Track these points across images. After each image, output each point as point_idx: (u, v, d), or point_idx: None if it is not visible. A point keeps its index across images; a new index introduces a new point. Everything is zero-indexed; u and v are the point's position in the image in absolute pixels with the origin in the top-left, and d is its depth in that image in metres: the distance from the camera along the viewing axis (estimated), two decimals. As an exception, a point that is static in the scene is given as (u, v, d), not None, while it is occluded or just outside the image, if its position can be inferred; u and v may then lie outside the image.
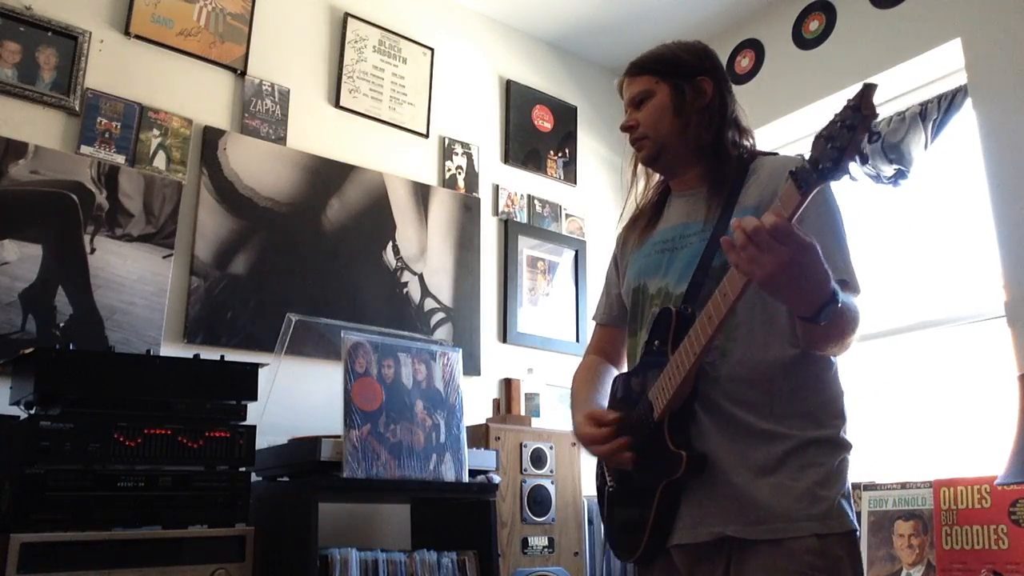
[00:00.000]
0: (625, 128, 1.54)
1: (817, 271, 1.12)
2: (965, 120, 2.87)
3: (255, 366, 2.14)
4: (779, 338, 1.34)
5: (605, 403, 1.53)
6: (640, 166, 1.59)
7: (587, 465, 2.99)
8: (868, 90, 0.99)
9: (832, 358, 1.37)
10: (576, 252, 3.75)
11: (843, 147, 0.99)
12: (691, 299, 1.35)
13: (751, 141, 1.52)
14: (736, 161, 1.45)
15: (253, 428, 2.09)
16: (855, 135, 0.98)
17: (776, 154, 1.50)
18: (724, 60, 3.72)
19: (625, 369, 1.60)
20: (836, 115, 1.01)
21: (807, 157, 1.05)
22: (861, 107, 0.98)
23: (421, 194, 3.28)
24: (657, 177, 1.61)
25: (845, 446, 1.33)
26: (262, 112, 2.96)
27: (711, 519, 1.28)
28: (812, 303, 1.14)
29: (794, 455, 1.28)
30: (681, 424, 1.31)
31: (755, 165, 1.44)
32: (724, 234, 1.33)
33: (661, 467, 1.30)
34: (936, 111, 2.92)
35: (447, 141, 3.46)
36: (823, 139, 1.02)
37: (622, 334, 1.62)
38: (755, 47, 3.64)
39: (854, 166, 1.04)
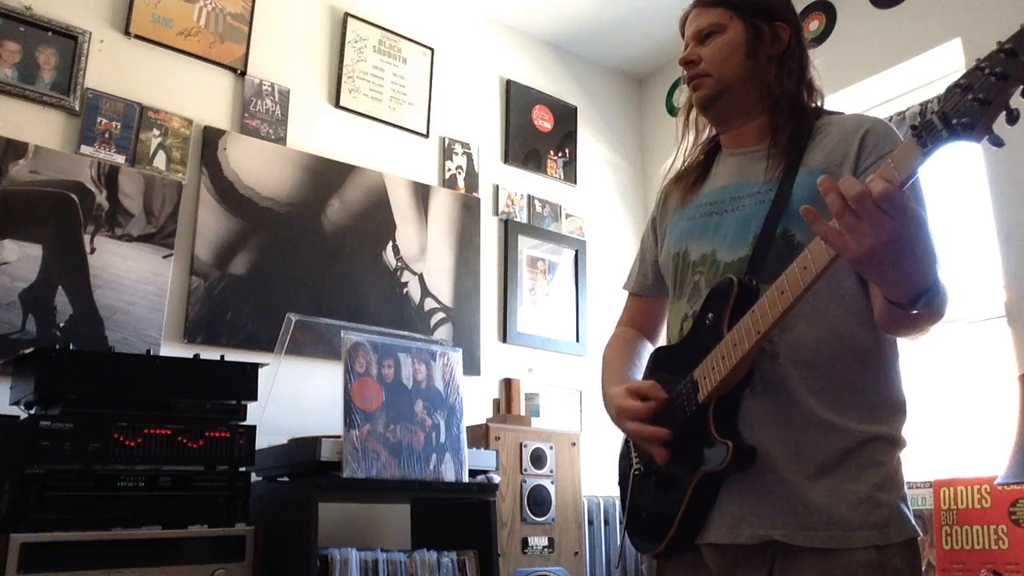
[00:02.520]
0: (685, 62, 1.36)
1: (923, 250, 0.96)
2: (965, 120, 2.86)
3: (255, 366, 2.14)
4: (848, 316, 1.19)
5: (640, 378, 1.37)
6: (692, 116, 1.43)
7: (587, 465, 2.99)
8: None
9: (898, 345, 1.22)
10: (576, 252, 3.75)
11: (988, 100, 0.81)
12: (753, 270, 1.19)
13: (819, 103, 1.36)
14: (809, 117, 1.30)
15: (253, 428, 2.09)
16: (1006, 85, 0.81)
17: (842, 113, 1.34)
18: (724, 60, 3.73)
19: (660, 341, 1.44)
20: (980, 61, 0.84)
21: (934, 110, 0.88)
22: (1019, 51, 0.81)
23: (421, 194, 3.28)
24: (707, 134, 1.45)
25: (902, 444, 1.19)
26: (262, 112, 2.96)
27: (755, 519, 1.13)
28: (910, 288, 0.99)
29: (853, 453, 1.14)
30: (728, 409, 1.16)
31: (820, 124, 1.29)
32: (788, 198, 1.21)
33: (700, 456, 1.15)
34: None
35: (447, 141, 3.46)
36: (960, 89, 0.84)
37: (657, 304, 1.48)
38: (755, 47, 3.63)
39: (1001, 125, 0.84)
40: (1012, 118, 0.81)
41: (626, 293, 1.57)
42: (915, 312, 1.02)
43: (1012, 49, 0.81)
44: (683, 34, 1.41)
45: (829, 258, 0.98)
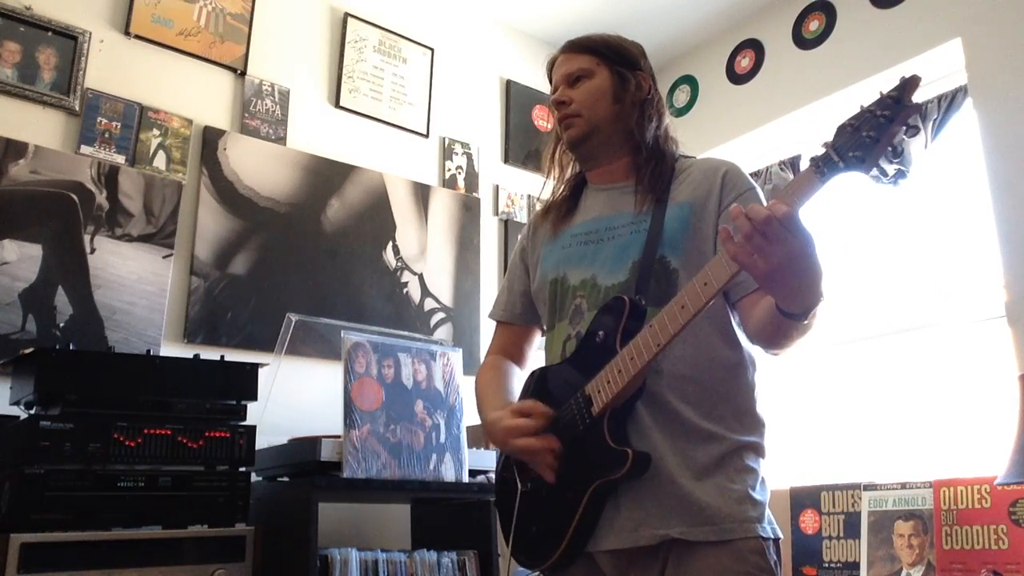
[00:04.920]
0: (557, 102, 1.47)
1: (817, 267, 1.07)
2: (965, 120, 2.86)
3: (255, 366, 2.14)
4: (719, 336, 1.32)
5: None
6: (557, 155, 1.54)
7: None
8: (913, 82, 0.97)
9: (754, 365, 1.35)
10: (576, 252, 3.74)
11: (878, 137, 0.96)
12: (640, 292, 1.29)
13: (675, 148, 1.49)
14: (669, 159, 1.44)
15: (253, 428, 2.09)
16: (892, 126, 0.96)
17: (695, 157, 1.49)
18: (724, 60, 3.74)
19: (527, 369, 1.54)
20: (867, 106, 0.98)
21: (827, 143, 1.02)
22: (903, 99, 0.96)
23: (421, 194, 3.29)
24: (571, 171, 1.55)
25: (764, 453, 1.32)
26: (262, 112, 2.96)
27: (654, 521, 1.22)
28: (806, 300, 1.09)
29: (729, 458, 1.26)
30: (620, 421, 1.24)
31: (680, 166, 1.43)
32: (662, 227, 1.33)
33: (597, 465, 1.22)
34: (936, 111, 2.92)
35: (447, 141, 3.46)
36: (851, 128, 0.99)
37: (526, 332, 1.60)
38: (755, 47, 3.64)
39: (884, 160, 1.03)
40: (896, 153, 0.98)
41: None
42: (804, 322, 1.12)
43: (897, 97, 0.96)
44: (550, 78, 1.52)
45: (730, 274, 1.09)
